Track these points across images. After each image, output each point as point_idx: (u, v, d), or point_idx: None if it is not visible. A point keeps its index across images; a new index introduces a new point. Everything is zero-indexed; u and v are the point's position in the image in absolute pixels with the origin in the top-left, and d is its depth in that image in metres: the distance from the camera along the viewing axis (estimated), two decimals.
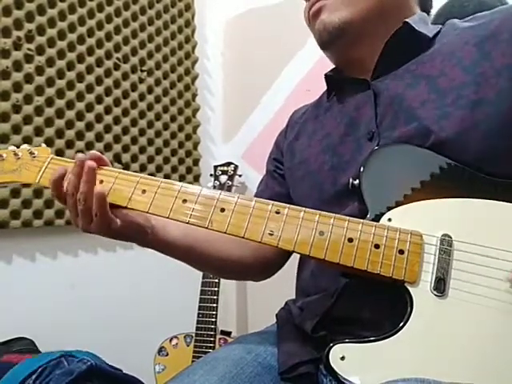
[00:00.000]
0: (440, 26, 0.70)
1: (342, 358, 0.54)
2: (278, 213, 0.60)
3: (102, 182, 0.65)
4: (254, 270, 0.83)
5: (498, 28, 0.62)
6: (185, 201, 0.63)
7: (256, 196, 0.87)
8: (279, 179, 0.86)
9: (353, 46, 0.72)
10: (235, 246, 0.78)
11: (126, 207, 0.64)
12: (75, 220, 0.65)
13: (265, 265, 0.83)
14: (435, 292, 0.54)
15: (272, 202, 0.61)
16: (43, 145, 0.74)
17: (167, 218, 0.63)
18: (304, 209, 0.60)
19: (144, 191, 0.64)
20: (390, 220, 0.58)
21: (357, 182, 0.62)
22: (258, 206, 0.61)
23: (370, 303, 0.60)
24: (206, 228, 0.61)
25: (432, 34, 0.69)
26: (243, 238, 0.60)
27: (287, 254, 0.83)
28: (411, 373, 0.51)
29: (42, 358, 1.06)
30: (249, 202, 0.62)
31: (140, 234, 0.67)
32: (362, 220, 0.58)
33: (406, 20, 0.67)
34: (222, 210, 0.61)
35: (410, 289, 0.55)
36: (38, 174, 0.69)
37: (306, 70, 1.61)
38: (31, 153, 0.71)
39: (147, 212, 0.64)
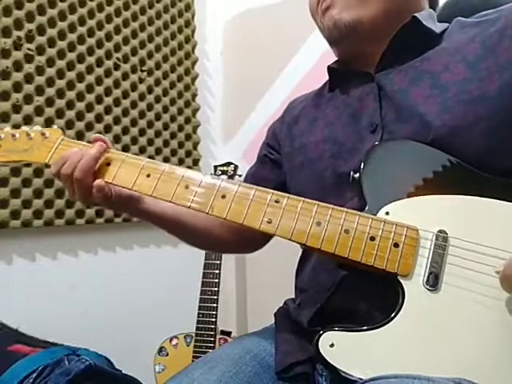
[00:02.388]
0: (447, 24, 0.70)
1: (332, 345, 0.55)
2: (277, 202, 0.61)
3: (109, 164, 0.69)
4: (233, 248, 0.94)
5: (503, 25, 0.62)
6: (187, 186, 0.65)
7: (244, 178, 0.91)
8: (269, 164, 0.86)
9: (362, 43, 0.72)
10: (217, 224, 0.83)
11: (130, 189, 0.67)
12: (71, 195, 0.71)
13: (245, 244, 0.88)
14: (427, 286, 0.54)
15: (272, 191, 0.62)
16: (55, 126, 0.76)
17: (170, 201, 0.65)
18: (303, 199, 0.61)
19: (148, 175, 0.67)
20: (387, 214, 0.58)
21: (357, 175, 0.62)
22: (258, 195, 0.62)
23: (366, 297, 0.61)
24: (207, 213, 0.63)
25: (439, 30, 0.69)
26: (242, 224, 0.61)
27: (268, 239, 0.86)
28: (398, 363, 0.52)
29: (47, 354, 1.06)
30: (249, 190, 0.63)
31: (131, 205, 0.73)
32: (359, 212, 0.59)
33: (415, 15, 0.68)
34: (223, 196, 0.63)
35: (403, 282, 0.55)
36: (49, 154, 0.71)
37: (305, 70, 1.61)
38: (43, 133, 0.73)
39: (151, 195, 0.66)
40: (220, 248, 0.94)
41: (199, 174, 0.66)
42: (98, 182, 0.67)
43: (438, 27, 0.69)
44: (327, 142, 0.72)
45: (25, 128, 0.75)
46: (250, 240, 0.86)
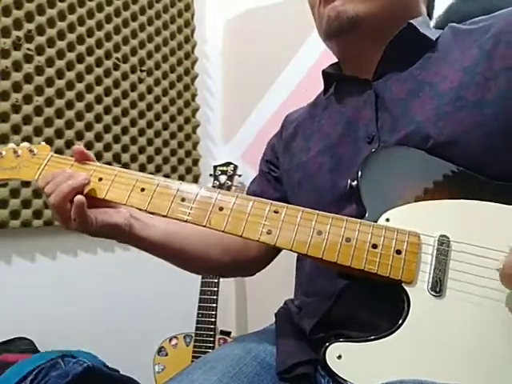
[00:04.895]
0: (441, 31, 0.70)
1: (339, 357, 0.54)
2: (276, 212, 0.60)
3: (101, 179, 0.66)
4: (233, 271, 0.87)
5: (498, 30, 0.62)
6: (183, 199, 0.63)
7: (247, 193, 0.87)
8: (273, 182, 0.85)
9: (359, 42, 0.70)
10: (215, 249, 0.79)
11: (124, 205, 0.65)
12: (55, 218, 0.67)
13: (244, 267, 0.85)
14: (432, 292, 0.54)
15: (271, 201, 0.61)
16: (43, 143, 0.74)
17: (165, 216, 0.63)
18: (302, 208, 0.60)
19: (143, 189, 0.65)
20: (387, 220, 0.58)
21: (355, 183, 0.62)
22: (257, 206, 0.61)
23: (368, 305, 0.60)
24: (204, 226, 0.62)
25: (435, 37, 0.68)
26: (241, 236, 0.60)
27: (270, 258, 0.84)
28: (408, 373, 0.51)
29: (39, 358, 1.04)
30: (247, 201, 0.62)
31: (117, 234, 0.68)
32: (359, 220, 0.58)
33: (410, 21, 0.67)
34: (221, 208, 0.62)
35: (407, 289, 0.55)
36: (37, 171, 0.69)
37: (305, 70, 1.61)
38: (31, 150, 0.71)
39: (145, 210, 0.64)
40: (218, 272, 0.89)
41: (195, 186, 0.64)
42: (78, 198, 0.62)
43: (433, 33, 0.69)
44: (324, 155, 0.72)
45: (12, 145, 0.73)
46: (249, 263, 0.83)
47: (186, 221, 0.62)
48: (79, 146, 0.70)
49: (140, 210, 0.65)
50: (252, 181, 0.91)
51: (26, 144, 0.73)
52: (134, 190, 0.65)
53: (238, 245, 0.79)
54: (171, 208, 0.63)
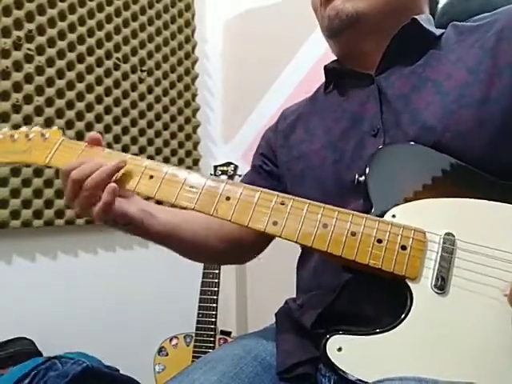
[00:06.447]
0: (443, 30, 0.71)
1: (339, 350, 0.54)
2: (282, 204, 0.60)
3: None
4: (228, 259, 0.91)
5: (500, 26, 0.63)
6: (191, 187, 0.64)
7: None
8: (263, 175, 0.85)
9: (361, 38, 0.71)
10: (214, 238, 0.80)
11: (132, 191, 0.65)
12: (72, 202, 0.66)
13: (240, 255, 0.87)
14: (435, 289, 0.54)
15: (277, 193, 0.62)
16: (54, 127, 0.74)
17: (173, 204, 0.64)
18: (309, 201, 0.60)
19: (151, 177, 0.65)
20: (394, 216, 0.58)
21: (362, 178, 0.62)
22: (264, 197, 0.61)
23: (372, 300, 0.60)
24: (211, 215, 0.62)
25: (438, 33, 0.69)
26: (247, 226, 0.60)
27: (264, 246, 0.86)
28: (408, 368, 0.51)
29: (33, 362, 1.04)
30: (254, 192, 0.62)
31: (130, 225, 0.68)
32: (366, 215, 0.58)
33: (414, 17, 0.68)
34: (228, 198, 0.62)
35: (411, 285, 0.55)
36: (48, 155, 0.69)
37: (305, 70, 1.61)
38: (42, 134, 0.71)
39: (153, 197, 0.64)
40: (216, 259, 0.91)
41: (203, 175, 0.65)
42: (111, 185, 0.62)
43: (436, 31, 0.69)
44: (328, 148, 0.72)
45: (24, 129, 0.73)
46: (244, 251, 0.85)
47: (193, 209, 0.63)
48: (96, 133, 0.70)
49: (148, 197, 0.65)
50: (244, 175, 0.91)
51: (37, 128, 0.73)
52: (143, 177, 0.65)
53: (235, 234, 0.80)
54: (179, 196, 0.63)
